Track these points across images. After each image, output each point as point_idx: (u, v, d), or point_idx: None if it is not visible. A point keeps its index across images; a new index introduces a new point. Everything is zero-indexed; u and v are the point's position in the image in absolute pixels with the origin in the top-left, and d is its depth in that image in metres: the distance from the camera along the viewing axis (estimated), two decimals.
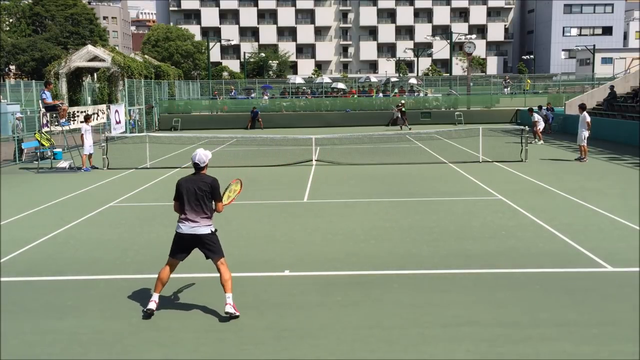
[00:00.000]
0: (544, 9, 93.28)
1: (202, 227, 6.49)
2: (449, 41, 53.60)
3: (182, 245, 6.59)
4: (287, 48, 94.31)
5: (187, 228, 6.48)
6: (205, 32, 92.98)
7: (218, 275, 8.09)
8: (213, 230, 6.58)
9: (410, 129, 32.00)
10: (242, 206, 12.89)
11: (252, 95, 49.40)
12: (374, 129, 33.83)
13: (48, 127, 21.49)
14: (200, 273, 8.16)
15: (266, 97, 45.62)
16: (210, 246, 6.55)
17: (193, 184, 6.53)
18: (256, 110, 38.53)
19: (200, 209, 6.49)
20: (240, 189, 7.24)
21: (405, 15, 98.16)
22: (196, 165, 6.62)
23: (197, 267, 8.47)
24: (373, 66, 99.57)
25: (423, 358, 5.55)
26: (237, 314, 6.48)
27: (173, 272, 6.75)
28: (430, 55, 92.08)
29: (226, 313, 6.44)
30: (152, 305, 6.55)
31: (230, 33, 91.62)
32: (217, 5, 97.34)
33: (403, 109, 35.41)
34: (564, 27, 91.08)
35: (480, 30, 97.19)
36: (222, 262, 6.60)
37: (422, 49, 79.11)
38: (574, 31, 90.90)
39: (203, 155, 6.62)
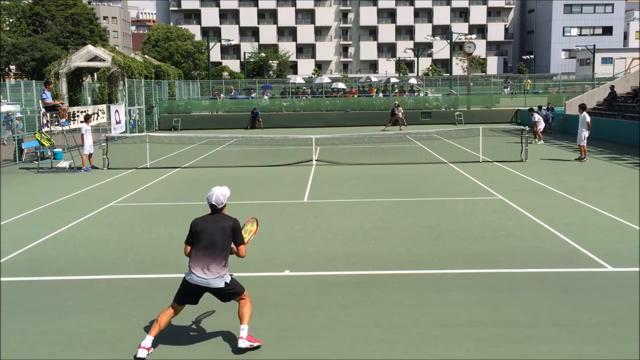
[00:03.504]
0: (544, 9, 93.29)
1: (216, 279, 5.59)
2: (449, 41, 53.60)
3: (191, 294, 5.73)
4: (287, 48, 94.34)
5: (198, 279, 5.58)
6: (205, 32, 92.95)
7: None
8: (228, 281, 5.68)
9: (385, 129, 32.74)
10: (242, 206, 12.89)
11: (252, 95, 49.40)
12: (374, 129, 33.81)
13: (48, 127, 21.49)
14: None
15: (266, 97, 45.64)
16: (227, 294, 5.73)
17: (212, 226, 5.66)
18: (256, 110, 38.53)
19: (217, 257, 5.61)
20: (256, 229, 6.39)
21: (405, 15, 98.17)
22: (213, 207, 5.76)
23: None
24: (373, 66, 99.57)
25: (423, 358, 5.56)
26: (255, 344, 5.77)
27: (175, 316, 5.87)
28: (430, 55, 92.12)
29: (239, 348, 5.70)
30: (142, 353, 5.50)
31: (230, 33, 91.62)
32: (217, 5, 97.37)
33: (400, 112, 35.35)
34: (564, 27, 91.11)
35: (480, 30, 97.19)
36: (244, 296, 5.81)
37: (422, 49, 79.13)
38: (574, 31, 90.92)
39: (220, 195, 5.74)
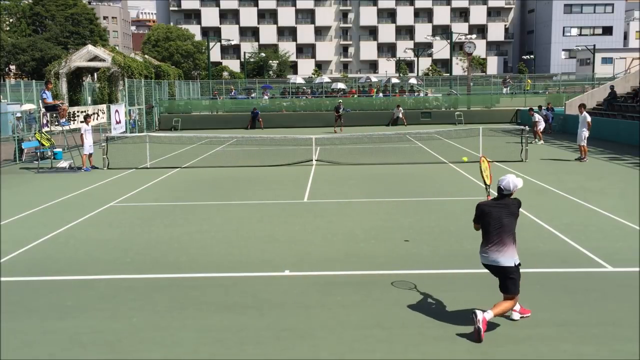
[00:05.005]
0: (544, 9, 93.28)
1: (507, 259, 6.02)
2: (449, 41, 53.60)
3: (492, 274, 6.24)
4: (287, 48, 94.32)
5: (491, 260, 6.09)
6: (205, 32, 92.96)
7: (217, 275, 8.16)
8: (517, 263, 6.07)
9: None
10: (242, 206, 12.90)
11: (252, 95, 49.40)
12: (374, 129, 33.81)
13: (48, 127, 21.49)
14: (201, 273, 8.17)
15: (266, 97, 45.64)
16: (509, 281, 6.05)
17: (498, 210, 6.16)
18: (256, 110, 38.53)
19: (506, 238, 6.05)
20: (488, 165, 7.08)
21: (405, 15, 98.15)
22: (501, 191, 6.30)
23: (198, 266, 8.48)
24: (373, 66, 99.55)
25: (423, 358, 5.55)
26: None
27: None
28: (430, 55, 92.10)
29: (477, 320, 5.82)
30: (515, 315, 6.28)
31: (230, 33, 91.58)
32: (217, 5, 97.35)
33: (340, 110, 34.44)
34: (564, 27, 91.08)
35: (480, 30, 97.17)
36: (512, 298, 6.10)
37: (422, 49, 79.13)
38: (574, 31, 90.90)
39: (511, 182, 6.25)
